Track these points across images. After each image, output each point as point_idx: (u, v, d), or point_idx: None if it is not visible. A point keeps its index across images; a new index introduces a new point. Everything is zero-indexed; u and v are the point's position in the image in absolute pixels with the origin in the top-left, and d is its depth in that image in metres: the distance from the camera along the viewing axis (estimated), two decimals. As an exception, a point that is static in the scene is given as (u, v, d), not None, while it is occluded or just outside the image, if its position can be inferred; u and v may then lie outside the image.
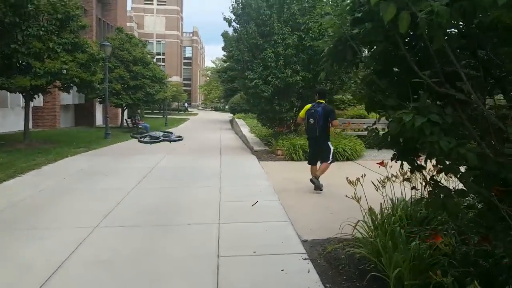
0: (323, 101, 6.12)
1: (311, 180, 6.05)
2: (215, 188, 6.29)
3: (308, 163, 6.38)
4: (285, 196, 5.77)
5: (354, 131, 11.28)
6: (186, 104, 55.32)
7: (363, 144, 9.90)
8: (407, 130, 1.91)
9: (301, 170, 7.92)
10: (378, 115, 2.54)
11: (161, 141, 13.76)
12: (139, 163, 8.83)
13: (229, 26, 11.84)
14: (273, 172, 7.80)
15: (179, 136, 14.93)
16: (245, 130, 16.27)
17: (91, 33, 22.10)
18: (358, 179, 3.41)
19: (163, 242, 3.87)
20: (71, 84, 12.24)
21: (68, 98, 21.22)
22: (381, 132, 2.43)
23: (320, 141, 6.10)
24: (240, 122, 20.54)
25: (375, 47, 2.37)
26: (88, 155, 10.28)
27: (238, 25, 11.53)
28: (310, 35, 9.86)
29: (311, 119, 5.98)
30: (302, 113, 6.23)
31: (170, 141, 14.00)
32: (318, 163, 6.23)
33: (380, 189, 3.44)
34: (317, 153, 6.22)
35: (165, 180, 6.98)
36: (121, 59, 20.40)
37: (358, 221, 3.41)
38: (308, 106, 6.15)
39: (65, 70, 10.73)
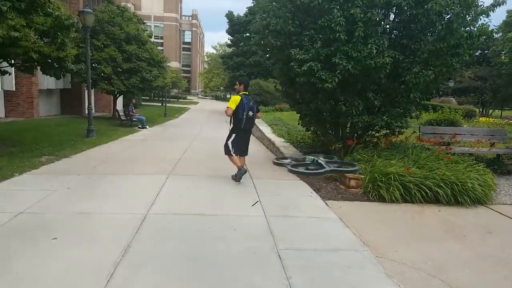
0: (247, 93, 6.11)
1: (239, 172, 5.92)
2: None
3: (239, 155, 6.16)
4: None
5: (454, 145, 7.20)
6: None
7: (488, 171, 5.83)
8: None
9: (423, 227, 4.12)
10: None
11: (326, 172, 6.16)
12: (115, 205, 4.78)
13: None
14: (375, 236, 4.03)
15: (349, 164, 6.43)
16: (267, 130, 12.53)
17: (76, 3, 18.22)
18: None
19: None
20: (31, 63, 8.47)
21: (50, 81, 17.41)
22: None
23: (250, 134, 6.40)
24: (255, 117, 16.75)
25: None
26: (37, 178, 6.54)
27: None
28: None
29: (251, 112, 5.90)
30: (233, 105, 5.83)
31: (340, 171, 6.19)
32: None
33: None
34: (247, 145, 6.33)
35: (163, 274, 3.21)
36: (112, 36, 16.46)
37: None
38: (238, 97, 5.89)
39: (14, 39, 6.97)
